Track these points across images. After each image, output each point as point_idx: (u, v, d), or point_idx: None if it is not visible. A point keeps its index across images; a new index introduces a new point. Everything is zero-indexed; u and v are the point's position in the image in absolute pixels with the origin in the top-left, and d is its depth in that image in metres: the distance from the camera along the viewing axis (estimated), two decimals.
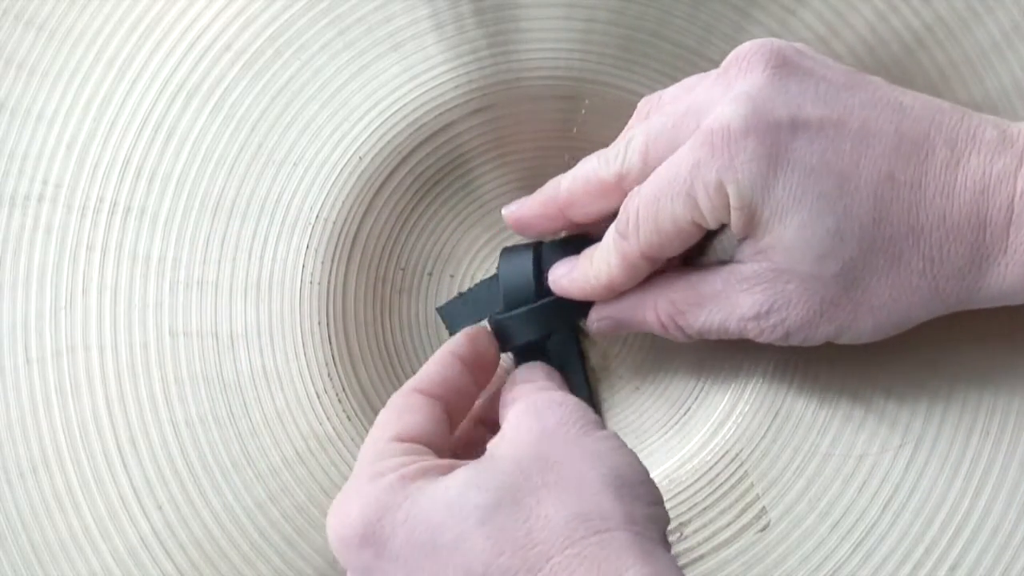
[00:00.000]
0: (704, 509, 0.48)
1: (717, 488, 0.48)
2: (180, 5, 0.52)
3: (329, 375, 0.50)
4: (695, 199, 0.44)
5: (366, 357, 0.51)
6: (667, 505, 0.48)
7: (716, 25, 0.51)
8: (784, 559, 0.47)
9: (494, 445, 0.43)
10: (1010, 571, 0.46)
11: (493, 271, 0.52)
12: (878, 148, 0.43)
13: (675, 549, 0.48)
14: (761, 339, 0.46)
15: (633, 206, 0.45)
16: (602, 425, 0.43)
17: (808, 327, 0.45)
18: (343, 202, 0.51)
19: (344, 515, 0.41)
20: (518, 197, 0.53)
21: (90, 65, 0.52)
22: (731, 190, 0.43)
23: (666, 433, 0.50)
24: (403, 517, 0.40)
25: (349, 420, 0.50)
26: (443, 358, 0.48)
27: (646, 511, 0.40)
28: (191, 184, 0.51)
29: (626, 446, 0.42)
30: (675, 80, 0.51)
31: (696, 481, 0.49)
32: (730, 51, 0.50)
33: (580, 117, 0.52)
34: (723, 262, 0.47)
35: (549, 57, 0.52)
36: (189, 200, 0.51)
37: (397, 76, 0.51)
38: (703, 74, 0.47)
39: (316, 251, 0.51)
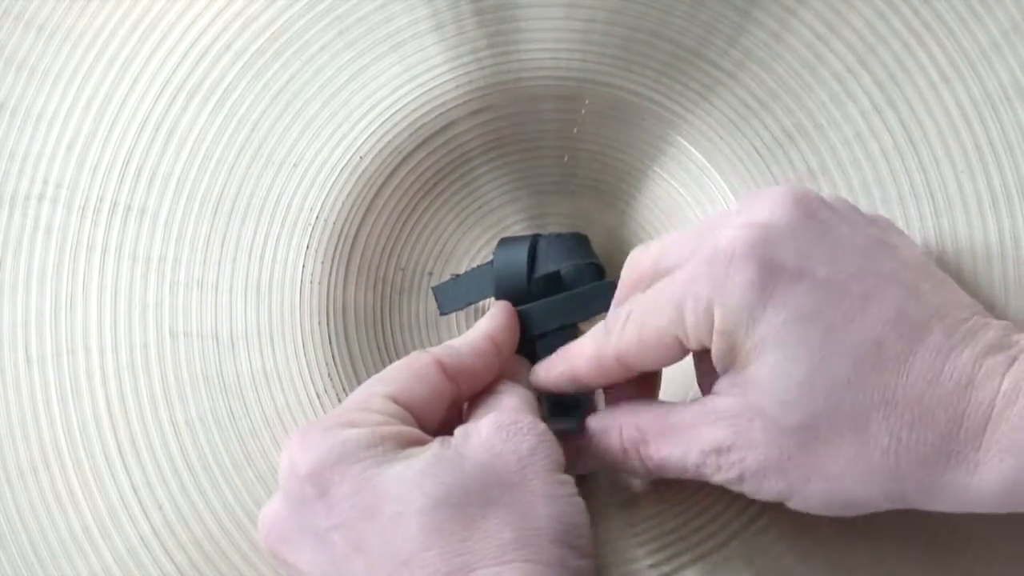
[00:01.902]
0: (704, 509, 0.48)
1: (717, 487, 0.48)
2: (180, 5, 0.52)
3: (329, 375, 0.50)
4: (682, 313, 0.43)
5: (366, 357, 0.51)
6: (667, 505, 0.48)
7: (716, 25, 0.51)
8: (784, 559, 0.47)
9: (463, 437, 0.43)
10: (1012, 565, 0.46)
11: None
12: (875, 315, 0.41)
13: (675, 549, 0.48)
14: (716, 478, 0.44)
15: (627, 308, 0.45)
16: (563, 468, 0.43)
17: (762, 475, 0.43)
18: (343, 202, 0.51)
19: (306, 444, 0.42)
20: (518, 197, 0.53)
21: (90, 65, 0.52)
22: (718, 312, 0.42)
23: None
24: (357, 472, 0.41)
25: None
26: (481, 344, 0.48)
27: (576, 562, 0.41)
28: (191, 184, 0.51)
29: (578, 496, 0.43)
30: (675, 80, 0.51)
31: (696, 480, 0.48)
32: (730, 51, 0.51)
33: (580, 117, 0.52)
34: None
35: (549, 57, 0.52)
36: (189, 200, 0.51)
37: (397, 76, 0.51)
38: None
39: (316, 251, 0.51)
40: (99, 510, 0.49)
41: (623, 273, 0.47)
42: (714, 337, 0.43)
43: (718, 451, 0.44)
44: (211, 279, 0.51)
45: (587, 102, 0.52)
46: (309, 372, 0.50)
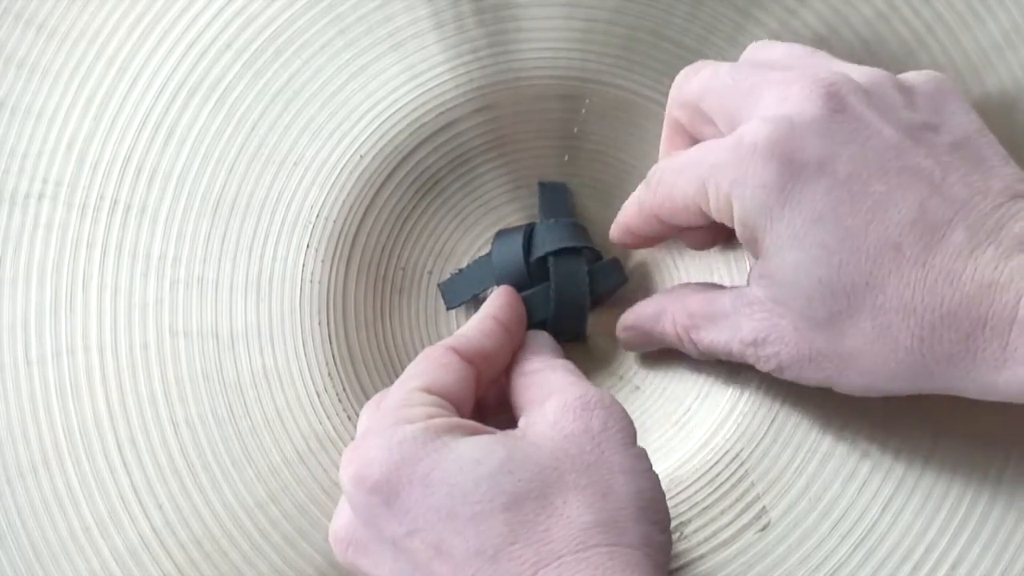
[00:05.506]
0: (704, 509, 0.48)
1: (717, 488, 0.48)
2: (180, 4, 0.52)
3: (329, 375, 0.50)
4: (705, 191, 0.44)
5: (366, 357, 0.51)
6: (667, 504, 0.48)
7: (716, 25, 0.51)
8: (784, 559, 0.47)
9: (529, 424, 0.43)
10: (1010, 571, 0.46)
11: None
12: (894, 216, 0.41)
13: (675, 549, 0.48)
14: (759, 367, 0.46)
15: (664, 164, 0.46)
16: (636, 439, 0.43)
17: (798, 367, 0.44)
18: (343, 201, 0.51)
19: (364, 454, 0.41)
20: (518, 197, 0.53)
21: (90, 64, 0.52)
22: (736, 204, 0.43)
23: (667, 432, 0.50)
24: (424, 472, 0.40)
25: (349, 420, 0.50)
26: (484, 324, 0.48)
27: (659, 537, 0.41)
28: (191, 183, 0.51)
29: (653, 469, 0.42)
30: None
31: (696, 480, 0.49)
32: (731, 51, 0.51)
33: (581, 117, 0.52)
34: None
35: (549, 57, 0.52)
36: (189, 199, 0.51)
37: (398, 76, 0.51)
38: (787, 53, 0.47)
39: (316, 250, 0.51)
40: (99, 510, 0.49)
41: (671, 92, 0.48)
42: (735, 223, 0.43)
43: (755, 343, 0.45)
44: (211, 277, 0.50)
45: (587, 101, 0.52)
46: (309, 371, 0.50)
